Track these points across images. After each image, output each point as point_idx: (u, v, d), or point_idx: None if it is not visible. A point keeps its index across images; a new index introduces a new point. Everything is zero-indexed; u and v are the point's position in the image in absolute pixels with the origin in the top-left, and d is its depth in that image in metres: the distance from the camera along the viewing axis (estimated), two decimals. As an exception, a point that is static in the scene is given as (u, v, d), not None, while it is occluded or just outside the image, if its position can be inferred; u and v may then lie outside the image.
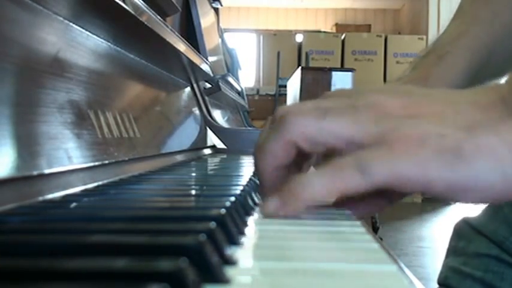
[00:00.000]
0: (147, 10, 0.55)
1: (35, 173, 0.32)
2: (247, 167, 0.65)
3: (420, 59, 0.51)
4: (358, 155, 0.28)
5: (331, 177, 0.28)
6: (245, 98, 2.38)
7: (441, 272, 0.59)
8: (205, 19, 1.30)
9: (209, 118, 1.03)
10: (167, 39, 0.63)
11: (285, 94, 3.66)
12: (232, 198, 0.30)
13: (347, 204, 0.33)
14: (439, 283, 0.59)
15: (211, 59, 1.24)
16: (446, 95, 0.31)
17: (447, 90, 0.32)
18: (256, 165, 0.32)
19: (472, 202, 0.28)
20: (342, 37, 4.68)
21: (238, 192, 0.35)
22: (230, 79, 1.54)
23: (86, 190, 0.37)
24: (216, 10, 1.67)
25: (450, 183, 0.27)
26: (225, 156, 0.94)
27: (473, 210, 0.64)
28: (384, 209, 0.33)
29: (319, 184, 0.28)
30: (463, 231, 0.59)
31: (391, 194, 0.33)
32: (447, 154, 0.27)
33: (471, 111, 0.29)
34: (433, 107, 0.29)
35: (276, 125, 0.31)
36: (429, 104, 0.29)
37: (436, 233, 3.14)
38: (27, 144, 0.32)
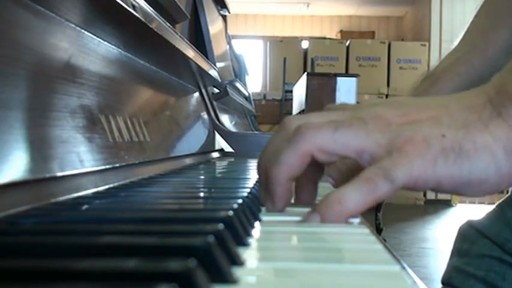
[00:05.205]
0: (156, 17, 0.56)
1: (48, 175, 0.33)
2: (254, 170, 0.66)
3: (419, 83, 0.58)
4: (381, 165, 0.30)
5: (366, 190, 0.30)
6: (252, 102, 2.38)
7: (445, 272, 0.61)
8: (214, 26, 1.30)
9: (217, 122, 1.04)
10: (176, 46, 0.64)
11: (291, 99, 3.66)
12: (240, 201, 0.31)
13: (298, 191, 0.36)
14: (442, 282, 0.60)
15: (219, 64, 1.24)
16: (437, 101, 0.33)
17: (437, 97, 0.35)
18: (269, 175, 0.33)
19: (472, 195, 0.31)
20: (347, 44, 4.68)
21: (245, 194, 0.35)
22: (238, 84, 1.55)
23: (97, 193, 0.38)
24: (224, 17, 1.68)
25: (455, 179, 0.30)
26: (232, 159, 0.94)
27: (476, 212, 0.66)
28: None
29: (357, 198, 0.30)
30: (468, 233, 0.60)
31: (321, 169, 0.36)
32: (450, 152, 0.29)
33: (463, 112, 0.31)
34: (428, 112, 0.31)
35: (291, 137, 0.32)
36: (424, 110, 0.32)
37: (438, 235, 3.13)
38: (40, 148, 0.33)
